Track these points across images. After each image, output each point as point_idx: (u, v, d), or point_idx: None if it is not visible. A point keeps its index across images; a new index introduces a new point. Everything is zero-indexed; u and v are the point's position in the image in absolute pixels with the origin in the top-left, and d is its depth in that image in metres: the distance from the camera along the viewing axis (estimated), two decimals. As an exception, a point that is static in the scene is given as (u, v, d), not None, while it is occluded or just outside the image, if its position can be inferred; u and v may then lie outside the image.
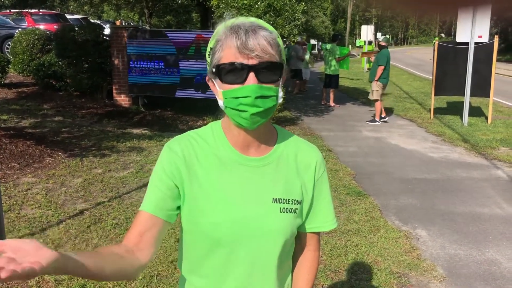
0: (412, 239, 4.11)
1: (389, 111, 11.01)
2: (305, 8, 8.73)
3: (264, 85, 1.08)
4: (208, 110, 9.27)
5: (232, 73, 1.08)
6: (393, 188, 5.49)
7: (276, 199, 1.20)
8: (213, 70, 1.12)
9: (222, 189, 1.18)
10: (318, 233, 1.35)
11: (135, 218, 1.19)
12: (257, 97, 1.08)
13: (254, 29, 1.08)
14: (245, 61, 1.06)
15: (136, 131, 7.84)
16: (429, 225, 4.42)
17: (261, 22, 1.13)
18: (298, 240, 1.33)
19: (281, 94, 1.15)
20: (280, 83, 1.14)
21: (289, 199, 1.22)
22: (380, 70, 9.25)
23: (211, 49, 1.14)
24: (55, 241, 3.70)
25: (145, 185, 5.11)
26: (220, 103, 1.14)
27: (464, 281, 3.43)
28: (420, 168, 6.33)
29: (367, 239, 4.05)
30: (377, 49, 12.86)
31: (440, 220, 4.55)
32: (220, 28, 1.12)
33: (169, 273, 3.34)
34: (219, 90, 1.13)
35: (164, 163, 1.19)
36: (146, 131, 7.87)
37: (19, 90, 10.25)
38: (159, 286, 3.18)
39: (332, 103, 11.76)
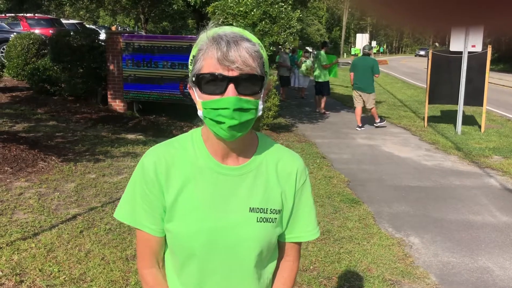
0: (405, 247, 4.12)
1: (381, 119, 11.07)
2: (300, 15, 8.78)
3: (243, 97, 1.07)
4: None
5: (211, 83, 1.07)
6: (387, 195, 5.50)
7: (253, 208, 1.20)
8: (193, 79, 1.11)
9: (199, 199, 1.18)
10: (298, 243, 1.33)
11: (140, 239, 1.25)
12: (235, 109, 1.07)
13: (237, 40, 1.06)
14: (225, 73, 1.05)
15: (130, 136, 7.83)
16: (422, 233, 4.43)
17: (245, 33, 1.12)
18: (278, 249, 1.32)
19: (261, 106, 1.14)
20: (261, 95, 1.13)
21: (267, 209, 1.21)
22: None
23: (193, 56, 1.13)
24: (47, 246, 3.68)
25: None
26: (199, 113, 1.14)
27: (456, 289, 3.44)
28: (413, 175, 6.36)
29: (361, 246, 4.06)
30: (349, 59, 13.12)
31: (433, 227, 4.56)
32: (203, 37, 1.12)
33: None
34: (198, 100, 1.13)
35: (144, 186, 1.21)
36: (141, 137, 7.86)
37: (13, 94, 10.21)
38: (151, 292, 3.17)
39: (322, 110, 11.78)
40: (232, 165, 1.22)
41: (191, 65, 1.14)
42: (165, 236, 1.23)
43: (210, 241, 1.17)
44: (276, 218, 1.23)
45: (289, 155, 1.30)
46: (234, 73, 1.06)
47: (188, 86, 1.19)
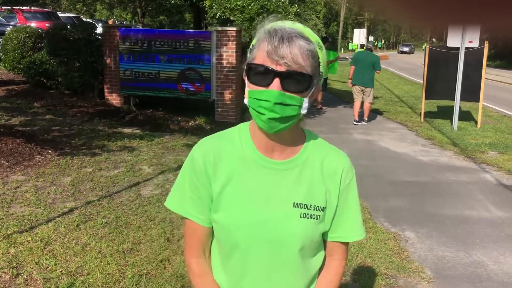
0: (400, 241, 4.14)
1: (378, 114, 11.10)
2: (298, 10, 8.78)
3: (287, 93, 1.09)
4: (200, 110, 9.27)
5: (259, 75, 1.09)
6: (383, 190, 5.52)
7: (297, 203, 1.21)
8: (245, 68, 1.14)
9: (243, 191, 1.20)
10: (344, 243, 1.32)
11: (188, 229, 1.29)
12: (276, 103, 1.08)
13: (291, 36, 1.07)
14: (273, 66, 1.07)
15: (127, 130, 7.81)
16: (417, 227, 4.46)
17: (305, 30, 1.12)
18: (325, 248, 1.33)
19: (306, 105, 1.14)
20: (309, 94, 1.14)
21: (311, 205, 1.21)
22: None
23: (252, 46, 1.16)
24: (44, 239, 3.69)
25: (135, 184, 5.11)
26: (245, 101, 1.16)
27: (451, 283, 3.47)
28: (409, 171, 6.38)
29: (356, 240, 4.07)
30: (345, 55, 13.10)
31: (428, 222, 4.59)
32: (263, 29, 1.14)
33: (159, 272, 3.34)
34: (247, 88, 1.15)
35: (193, 177, 1.24)
36: (137, 131, 7.84)
37: (10, 87, 10.17)
38: (148, 285, 3.18)
39: (319, 105, 11.79)
40: (277, 159, 1.23)
41: (249, 54, 1.17)
42: (212, 226, 1.26)
43: (253, 234, 1.19)
44: (319, 215, 1.23)
45: (335, 153, 1.31)
46: (282, 68, 1.07)
47: (243, 74, 1.20)
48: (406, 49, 56.81)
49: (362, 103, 9.83)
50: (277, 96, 1.08)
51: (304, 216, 1.20)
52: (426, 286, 3.41)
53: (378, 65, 9.53)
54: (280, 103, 1.09)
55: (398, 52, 56.50)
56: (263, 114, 1.10)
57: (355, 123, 9.70)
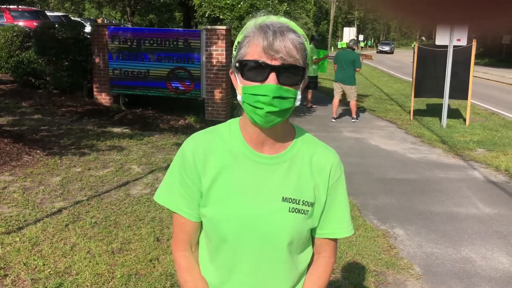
0: (390, 238, 4.17)
1: (368, 112, 11.15)
2: (287, 8, 8.78)
3: (283, 86, 1.10)
4: (190, 109, 9.24)
5: (254, 70, 1.10)
6: (372, 188, 5.55)
7: (285, 198, 1.21)
8: (237, 65, 1.14)
9: (233, 186, 1.21)
10: (333, 239, 1.33)
11: (176, 222, 1.30)
12: (274, 97, 1.09)
13: (283, 31, 1.09)
14: (268, 61, 1.08)
15: (116, 130, 7.77)
16: (406, 225, 4.49)
17: (291, 24, 1.14)
18: (314, 245, 1.34)
19: (299, 97, 1.16)
20: (301, 86, 1.15)
21: (299, 200, 1.22)
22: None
23: (238, 43, 1.16)
24: (32, 240, 3.66)
25: (125, 184, 5.08)
26: (239, 97, 1.17)
27: (439, 279, 3.50)
28: (399, 168, 6.42)
29: (346, 237, 4.09)
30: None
31: (417, 219, 4.62)
32: (250, 25, 1.14)
33: (148, 271, 3.33)
34: (239, 84, 1.15)
35: (182, 172, 1.25)
36: (127, 130, 7.81)
37: (-3, 87, 10.07)
38: (137, 285, 3.17)
39: (309, 104, 11.82)
40: (267, 153, 1.24)
41: (235, 50, 1.17)
42: (200, 221, 1.27)
43: (242, 228, 1.20)
44: (308, 211, 1.23)
45: (324, 149, 1.31)
46: (277, 62, 1.08)
47: (230, 71, 1.21)
48: (386, 48, 53.22)
49: (346, 101, 9.93)
50: (275, 90, 1.09)
51: (293, 210, 1.21)
52: (415, 283, 3.44)
53: (358, 63, 9.64)
54: (278, 97, 1.10)
55: (378, 52, 51.98)
56: (261, 109, 1.10)
57: (333, 120, 9.87)
